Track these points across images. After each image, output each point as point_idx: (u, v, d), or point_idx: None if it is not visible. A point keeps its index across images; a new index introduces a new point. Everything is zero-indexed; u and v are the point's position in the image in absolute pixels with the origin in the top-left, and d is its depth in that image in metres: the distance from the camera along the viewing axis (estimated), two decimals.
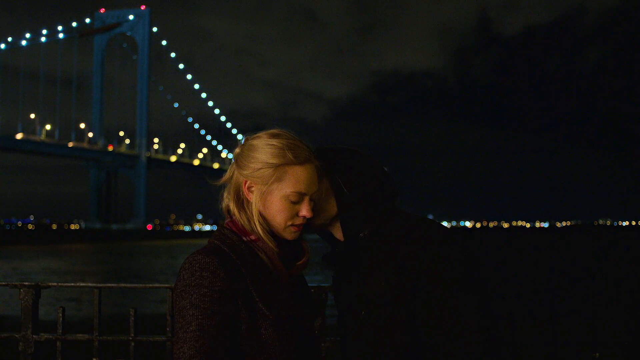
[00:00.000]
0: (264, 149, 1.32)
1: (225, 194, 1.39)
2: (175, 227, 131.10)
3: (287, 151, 1.31)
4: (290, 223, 1.34)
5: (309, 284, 1.72)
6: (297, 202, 1.33)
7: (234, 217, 1.35)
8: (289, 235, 1.35)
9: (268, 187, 1.32)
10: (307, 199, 1.34)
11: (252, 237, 1.32)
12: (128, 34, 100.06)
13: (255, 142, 1.35)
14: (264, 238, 1.31)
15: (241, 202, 1.36)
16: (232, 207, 1.36)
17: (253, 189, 1.34)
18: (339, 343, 2.13)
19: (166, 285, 2.24)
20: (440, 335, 1.28)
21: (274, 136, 1.34)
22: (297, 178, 1.32)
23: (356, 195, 1.41)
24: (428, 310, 1.30)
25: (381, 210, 1.43)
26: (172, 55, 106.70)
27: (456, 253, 1.33)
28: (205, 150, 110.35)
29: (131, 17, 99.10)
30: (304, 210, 1.34)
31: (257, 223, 1.32)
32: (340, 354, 1.49)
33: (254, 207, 1.33)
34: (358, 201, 1.41)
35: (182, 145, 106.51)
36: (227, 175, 1.39)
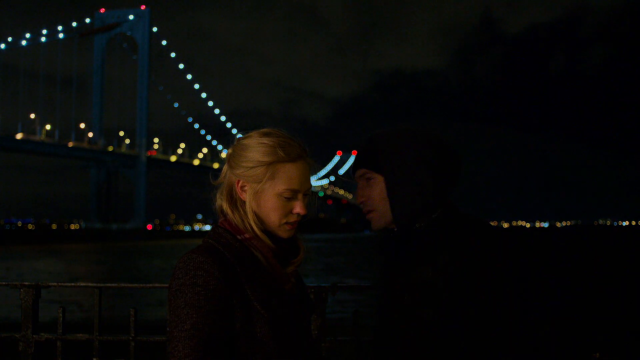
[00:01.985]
0: (256, 147, 1.32)
1: (218, 194, 1.39)
2: (175, 227, 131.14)
3: (278, 149, 1.31)
4: (284, 221, 1.33)
5: (310, 285, 1.71)
6: (290, 199, 1.33)
7: (227, 217, 1.35)
8: (283, 233, 1.35)
9: (261, 185, 1.32)
10: (300, 196, 1.34)
11: (246, 235, 1.32)
12: (128, 33, 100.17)
13: (246, 141, 1.35)
14: (260, 236, 1.31)
15: (234, 201, 1.35)
16: (225, 206, 1.35)
17: (246, 188, 1.34)
18: (339, 343, 2.13)
19: (166, 285, 2.23)
20: (480, 331, 1.30)
21: (265, 135, 1.34)
22: (289, 175, 1.32)
23: (409, 193, 1.42)
24: (471, 305, 1.32)
25: (438, 204, 1.45)
26: (172, 55, 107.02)
27: (506, 254, 1.36)
28: (205, 150, 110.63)
29: (131, 17, 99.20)
30: (298, 208, 1.34)
31: (252, 222, 1.32)
32: (375, 340, 1.49)
33: (248, 206, 1.33)
34: (412, 199, 1.42)
35: (182, 145, 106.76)
36: (220, 177, 1.39)
